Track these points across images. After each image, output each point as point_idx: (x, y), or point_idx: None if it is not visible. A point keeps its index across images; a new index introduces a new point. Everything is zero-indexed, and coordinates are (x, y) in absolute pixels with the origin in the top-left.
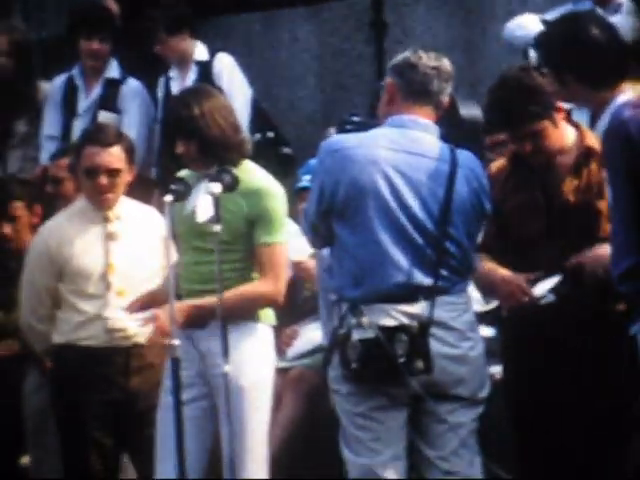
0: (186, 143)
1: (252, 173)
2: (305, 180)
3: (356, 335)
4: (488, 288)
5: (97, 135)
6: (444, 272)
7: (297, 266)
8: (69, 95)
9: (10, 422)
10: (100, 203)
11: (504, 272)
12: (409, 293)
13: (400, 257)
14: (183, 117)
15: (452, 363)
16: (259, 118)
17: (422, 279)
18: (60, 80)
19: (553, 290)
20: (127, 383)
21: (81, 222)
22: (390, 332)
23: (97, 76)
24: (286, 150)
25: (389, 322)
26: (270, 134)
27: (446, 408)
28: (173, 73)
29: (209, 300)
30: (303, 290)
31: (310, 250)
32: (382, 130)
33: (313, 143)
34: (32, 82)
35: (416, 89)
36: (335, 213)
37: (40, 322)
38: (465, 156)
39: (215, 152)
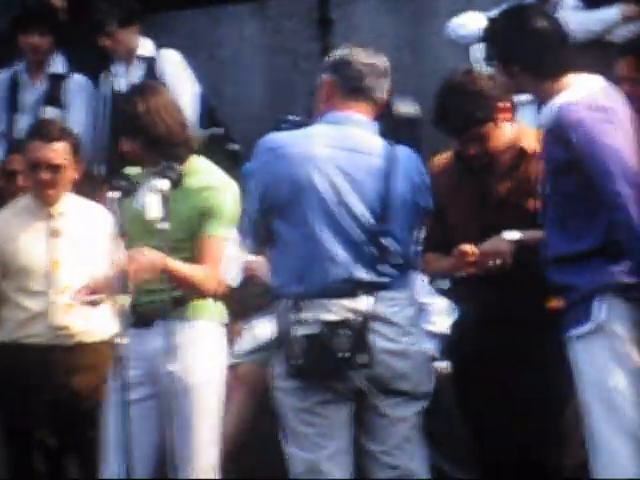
0: (131, 141)
1: (203, 169)
2: None
3: (300, 331)
4: (438, 268)
5: (41, 130)
6: (384, 268)
7: (248, 263)
8: (13, 91)
9: None
10: (42, 198)
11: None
12: (349, 288)
13: (339, 252)
14: (128, 115)
15: (393, 358)
16: (207, 114)
17: (362, 274)
18: (4, 75)
19: None
20: (69, 382)
21: (25, 218)
22: (333, 327)
23: (41, 71)
24: (233, 146)
25: (332, 317)
26: (218, 130)
27: (388, 402)
28: (118, 69)
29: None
30: (252, 287)
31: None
32: (317, 127)
33: (259, 138)
34: None
35: (351, 85)
36: (275, 211)
37: None
38: (404, 152)
39: (161, 149)
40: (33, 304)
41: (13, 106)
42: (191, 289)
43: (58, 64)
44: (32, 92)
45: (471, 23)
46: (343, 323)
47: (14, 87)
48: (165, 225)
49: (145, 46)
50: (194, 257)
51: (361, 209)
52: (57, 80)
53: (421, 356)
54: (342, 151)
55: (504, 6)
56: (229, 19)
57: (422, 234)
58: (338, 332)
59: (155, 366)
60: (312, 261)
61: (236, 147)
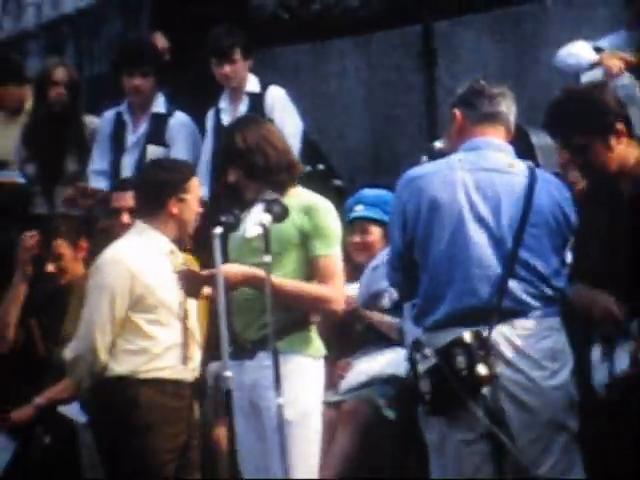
0: (234, 172)
1: (302, 193)
2: (358, 210)
3: (421, 367)
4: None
5: (192, 168)
6: (522, 295)
7: (351, 298)
8: (118, 130)
9: (66, 457)
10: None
11: (597, 293)
12: (483, 315)
13: (476, 277)
14: (228, 147)
15: (522, 392)
16: (310, 150)
17: (498, 301)
18: (109, 115)
19: None
20: (191, 415)
21: (155, 251)
22: (445, 350)
23: (144, 111)
24: (337, 182)
25: (444, 341)
26: (321, 166)
27: (519, 449)
28: (223, 104)
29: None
30: (356, 323)
31: None
32: (457, 155)
33: (363, 173)
34: (80, 119)
35: (486, 112)
36: (418, 241)
37: (103, 352)
38: (544, 172)
39: (262, 178)
40: (166, 336)
41: (117, 145)
42: (315, 307)
43: (160, 103)
44: (135, 132)
45: (580, 52)
46: (454, 343)
47: (118, 127)
48: (268, 258)
49: (251, 82)
50: (291, 273)
51: (501, 230)
52: (160, 119)
53: (554, 394)
54: (483, 172)
55: (612, 36)
56: (332, 53)
57: (568, 259)
58: (452, 352)
59: (255, 397)
60: (448, 286)
61: (339, 182)
